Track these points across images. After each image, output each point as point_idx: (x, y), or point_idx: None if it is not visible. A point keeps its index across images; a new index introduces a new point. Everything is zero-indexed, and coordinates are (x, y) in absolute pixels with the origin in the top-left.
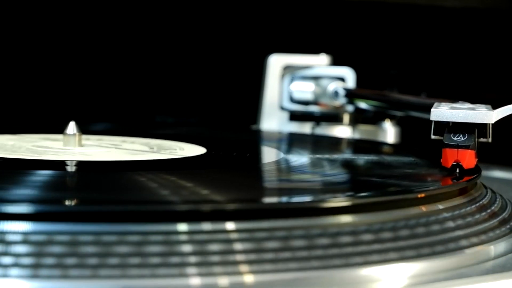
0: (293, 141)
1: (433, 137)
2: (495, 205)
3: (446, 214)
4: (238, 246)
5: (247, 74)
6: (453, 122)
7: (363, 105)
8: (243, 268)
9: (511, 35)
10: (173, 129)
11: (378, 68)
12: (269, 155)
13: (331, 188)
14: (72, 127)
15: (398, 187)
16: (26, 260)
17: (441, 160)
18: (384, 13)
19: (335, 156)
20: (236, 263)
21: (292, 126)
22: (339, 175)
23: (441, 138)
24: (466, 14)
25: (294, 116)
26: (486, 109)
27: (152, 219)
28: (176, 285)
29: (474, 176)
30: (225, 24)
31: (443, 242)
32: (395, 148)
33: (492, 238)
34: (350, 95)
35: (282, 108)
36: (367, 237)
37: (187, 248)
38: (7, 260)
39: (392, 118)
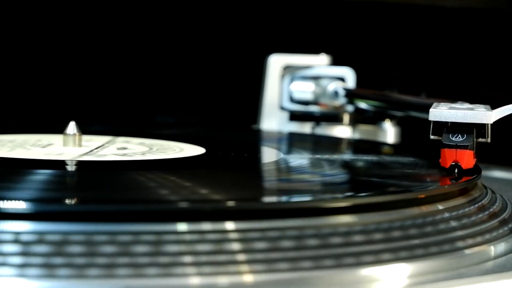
0: (293, 141)
1: (432, 137)
2: (495, 205)
3: (446, 214)
4: (237, 245)
5: (247, 74)
6: (451, 122)
7: (363, 105)
8: (243, 268)
9: (511, 35)
10: (173, 129)
11: (378, 68)
12: (269, 155)
13: (330, 188)
14: (72, 127)
15: (398, 187)
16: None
17: (440, 160)
18: (384, 13)
19: (335, 156)
20: (235, 263)
21: (292, 126)
22: (339, 175)
23: (440, 138)
24: (466, 14)
25: (294, 116)
26: (484, 109)
27: (151, 219)
28: (175, 285)
29: (475, 176)
30: (225, 24)
31: (443, 242)
32: (395, 148)
33: (492, 238)
34: (350, 95)
35: (282, 108)
36: (365, 237)
37: (186, 248)
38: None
39: (392, 118)
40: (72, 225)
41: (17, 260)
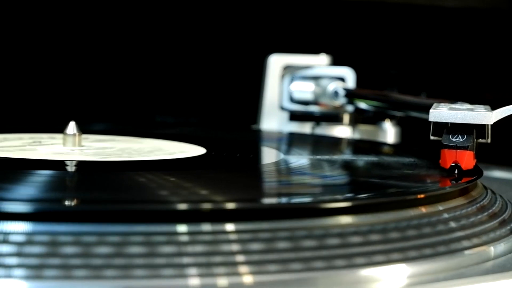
0: (293, 141)
1: (432, 138)
2: (496, 206)
3: (446, 215)
4: (237, 246)
5: (247, 74)
6: (451, 123)
7: (363, 105)
8: (242, 268)
9: (511, 35)
10: (173, 129)
11: (378, 68)
12: (269, 155)
13: (330, 189)
14: (72, 127)
15: (398, 188)
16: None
17: (440, 161)
18: (384, 13)
19: (335, 156)
20: (235, 263)
21: (292, 126)
22: (339, 176)
23: (440, 139)
24: (466, 14)
25: (294, 116)
26: (484, 110)
27: (150, 219)
28: (175, 285)
29: (476, 176)
30: (225, 24)
31: (443, 243)
32: (395, 149)
33: (492, 239)
34: (350, 95)
35: (282, 108)
36: (366, 238)
37: (185, 248)
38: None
39: (392, 118)
40: (66, 226)
41: (8, 260)
